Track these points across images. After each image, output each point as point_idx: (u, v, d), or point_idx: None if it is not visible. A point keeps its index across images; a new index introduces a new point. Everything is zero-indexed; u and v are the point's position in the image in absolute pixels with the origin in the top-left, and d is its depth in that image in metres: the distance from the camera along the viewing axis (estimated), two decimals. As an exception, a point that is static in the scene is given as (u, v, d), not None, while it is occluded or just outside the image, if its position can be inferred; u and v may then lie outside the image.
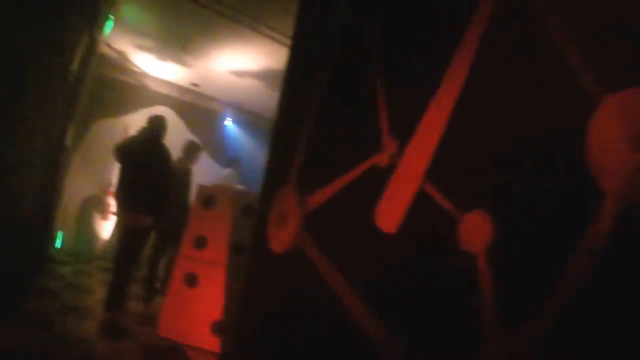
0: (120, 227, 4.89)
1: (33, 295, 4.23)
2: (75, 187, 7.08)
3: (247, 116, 9.01)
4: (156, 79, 7.85)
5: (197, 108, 8.42)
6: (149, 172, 4.40)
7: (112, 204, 7.21)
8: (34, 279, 4.72)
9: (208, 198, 4.14)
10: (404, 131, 1.98)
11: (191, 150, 5.81)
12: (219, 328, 3.80)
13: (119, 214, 4.90)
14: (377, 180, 2.05)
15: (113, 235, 7.20)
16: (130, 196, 4.38)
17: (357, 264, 2.08)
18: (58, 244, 6.72)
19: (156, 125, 4.66)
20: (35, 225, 4.52)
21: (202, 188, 4.30)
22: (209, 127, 8.25)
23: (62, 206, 6.67)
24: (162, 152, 4.65)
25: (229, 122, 8.86)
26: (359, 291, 1.97)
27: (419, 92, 1.93)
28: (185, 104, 8.25)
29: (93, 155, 7.29)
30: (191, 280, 3.94)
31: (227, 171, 7.05)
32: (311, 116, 2.72)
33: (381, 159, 2.08)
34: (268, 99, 7.86)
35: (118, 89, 7.50)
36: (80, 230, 7.01)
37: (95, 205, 7.09)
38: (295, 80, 3.10)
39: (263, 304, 2.81)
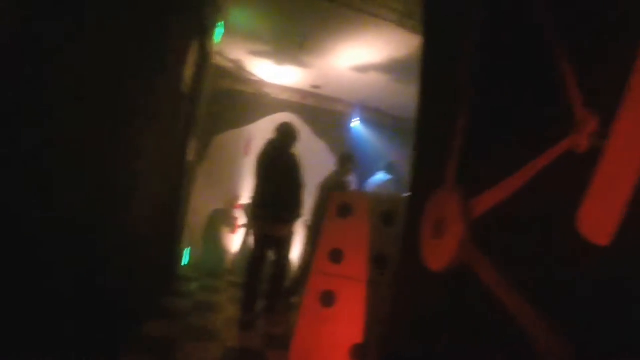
0: (255, 237, 4.89)
1: (158, 316, 4.19)
2: (201, 201, 7.16)
3: (374, 115, 8.66)
4: (275, 86, 7.78)
5: (321, 111, 8.24)
6: (280, 182, 4.51)
7: (240, 217, 7.33)
8: (160, 298, 4.70)
9: (343, 206, 3.81)
10: (606, 102, 1.41)
11: (345, 161, 5.82)
12: (358, 352, 3.48)
13: (253, 224, 4.97)
14: (572, 171, 1.50)
15: (242, 248, 7.29)
16: (264, 206, 4.54)
17: (551, 286, 1.56)
18: (185, 260, 6.78)
19: (285, 134, 4.79)
20: (161, 243, 4.55)
21: (335, 195, 4.05)
22: (335, 130, 8.04)
23: (188, 222, 6.77)
24: (291, 161, 4.69)
25: (355, 123, 8.56)
26: (552, 323, 1.47)
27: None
28: (308, 108, 8.11)
29: (217, 169, 7.39)
30: (327, 298, 3.67)
31: (381, 177, 6.59)
32: (465, 105, 2.28)
33: (577, 142, 1.51)
34: (395, 95, 7.50)
35: (237, 99, 7.53)
36: (207, 245, 7.10)
37: (222, 219, 7.16)
38: (435, 68, 2.76)
39: (414, 327, 2.47)
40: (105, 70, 2.20)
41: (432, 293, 2.41)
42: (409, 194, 2.87)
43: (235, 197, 7.44)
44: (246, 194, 7.45)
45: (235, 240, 7.48)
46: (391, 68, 6.47)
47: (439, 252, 2.36)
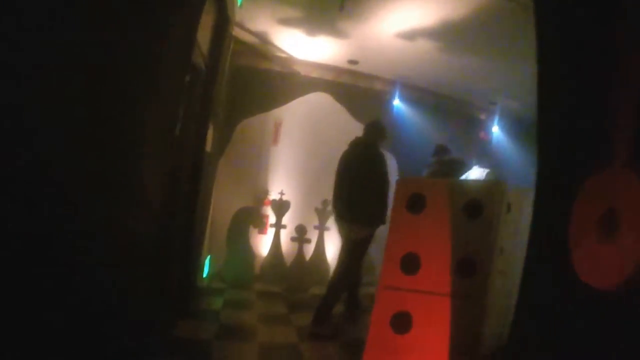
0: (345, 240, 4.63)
1: (171, 348, 3.40)
2: (224, 199, 6.31)
3: (416, 94, 7.66)
4: (306, 63, 6.79)
5: (358, 90, 7.24)
6: (363, 181, 4.34)
7: (270, 214, 6.45)
8: (173, 326, 3.89)
9: (414, 197, 2.95)
10: None
11: (441, 152, 5.03)
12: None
13: (337, 226, 4.76)
14: None
15: (272, 251, 6.43)
16: (348, 206, 4.39)
17: None
18: (206, 270, 5.83)
19: (373, 131, 4.68)
20: (174, 254, 3.72)
21: (402, 183, 3.13)
22: (374, 110, 7.05)
23: (209, 224, 5.92)
24: (377, 160, 4.47)
25: (396, 103, 7.56)
26: None
27: None
28: (344, 87, 7.11)
29: (242, 161, 6.50)
30: (401, 322, 2.75)
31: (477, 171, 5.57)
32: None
33: None
34: (442, 68, 6.54)
35: (263, 79, 6.54)
36: (232, 249, 6.10)
37: (249, 218, 6.22)
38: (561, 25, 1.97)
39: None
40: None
41: (594, 322, 1.59)
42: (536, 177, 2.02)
43: (263, 193, 6.55)
44: (276, 188, 6.59)
45: (265, 242, 6.63)
46: (443, 33, 5.47)
47: (611, 260, 1.54)
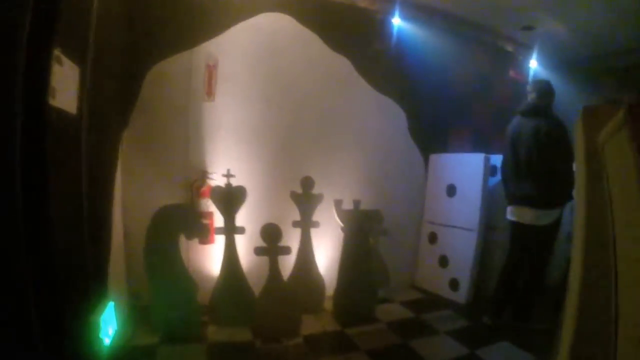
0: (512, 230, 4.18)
1: None
2: (135, 195, 3.84)
3: (423, 14, 5.31)
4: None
5: (335, 6, 4.76)
6: (539, 155, 3.83)
7: (215, 212, 3.94)
8: None
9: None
10: None
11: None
12: None
13: (515, 212, 4.09)
14: None
15: (225, 270, 3.90)
16: (534, 188, 3.89)
17: None
18: (110, 328, 2.80)
19: (543, 93, 3.98)
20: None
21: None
22: (364, 37, 4.89)
23: (108, 244, 3.24)
24: (556, 128, 3.79)
25: (398, 22, 5.23)
26: None
27: None
28: (313, 5, 4.63)
29: (159, 128, 3.99)
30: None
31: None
32: None
33: None
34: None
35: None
36: (156, 276, 3.48)
37: (178, 221, 3.62)
38: None
39: None
40: None
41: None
42: None
43: (198, 176, 4.05)
44: (218, 168, 4.09)
45: (213, 258, 4.17)
46: None
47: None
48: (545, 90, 3.99)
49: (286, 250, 3.82)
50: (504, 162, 4.21)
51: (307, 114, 4.49)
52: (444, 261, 5.19)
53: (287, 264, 4.16)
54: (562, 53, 6.48)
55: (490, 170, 4.93)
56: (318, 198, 4.38)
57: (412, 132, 5.32)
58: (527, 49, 6.55)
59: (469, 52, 5.81)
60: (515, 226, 4.09)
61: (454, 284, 5.03)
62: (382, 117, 5.12)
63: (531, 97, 4.02)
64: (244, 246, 4.06)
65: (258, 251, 3.74)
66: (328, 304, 4.40)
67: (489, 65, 6.12)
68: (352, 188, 4.84)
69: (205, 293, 3.85)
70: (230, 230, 3.89)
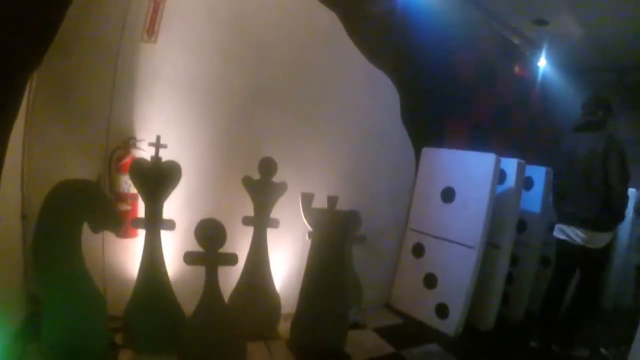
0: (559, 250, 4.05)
1: None
2: (41, 157, 2.77)
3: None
4: None
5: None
6: (596, 175, 3.64)
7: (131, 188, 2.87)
8: None
9: None
10: None
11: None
12: None
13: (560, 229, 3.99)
14: None
15: (145, 271, 2.80)
16: (573, 207, 3.81)
17: None
18: None
19: (600, 109, 3.79)
20: None
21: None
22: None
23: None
24: (615, 146, 3.60)
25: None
26: None
27: None
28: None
29: (79, 70, 2.87)
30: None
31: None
32: None
33: None
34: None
35: None
36: (50, 283, 2.38)
37: (81, 205, 2.48)
38: None
39: None
40: None
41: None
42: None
43: (124, 143, 2.94)
44: (146, 134, 3.01)
45: (129, 260, 3.08)
46: None
47: None
48: (600, 104, 3.82)
49: (229, 260, 2.74)
50: (557, 179, 4.09)
51: (277, 77, 3.41)
52: (430, 281, 4.24)
53: (232, 274, 3.11)
54: (573, 56, 6.32)
55: (524, 183, 4.43)
56: (280, 188, 3.35)
57: (405, 117, 4.32)
58: (535, 47, 6.28)
59: (476, 37, 5.40)
60: (564, 244, 3.91)
61: (442, 311, 4.10)
62: (372, 93, 4.09)
63: (587, 112, 3.86)
64: (174, 247, 3.00)
65: (189, 258, 2.64)
66: (284, 329, 3.38)
67: (495, 55, 5.60)
68: (327, 180, 3.79)
69: (117, 308, 2.78)
70: (153, 223, 2.79)
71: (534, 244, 4.70)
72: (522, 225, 4.68)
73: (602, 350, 4.11)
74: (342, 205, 3.56)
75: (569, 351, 3.90)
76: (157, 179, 2.77)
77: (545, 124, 6.94)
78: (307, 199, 3.43)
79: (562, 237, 3.90)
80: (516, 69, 6.10)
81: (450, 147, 4.50)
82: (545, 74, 6.51)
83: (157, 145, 2.85)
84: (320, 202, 3.48)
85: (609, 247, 3.85)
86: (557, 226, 3.98)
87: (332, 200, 3.50)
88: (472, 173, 4.05)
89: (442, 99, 4.86)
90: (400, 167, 4.49)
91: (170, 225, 2.83)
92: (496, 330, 4.28)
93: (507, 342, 4.11)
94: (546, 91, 6.69)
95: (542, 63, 6.43)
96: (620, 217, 3.69)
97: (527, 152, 6.02)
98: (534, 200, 4.68)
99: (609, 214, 3.64)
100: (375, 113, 4.14)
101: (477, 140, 5.35)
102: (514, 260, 4.61)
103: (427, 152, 4.56)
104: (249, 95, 3.36)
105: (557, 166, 4.09)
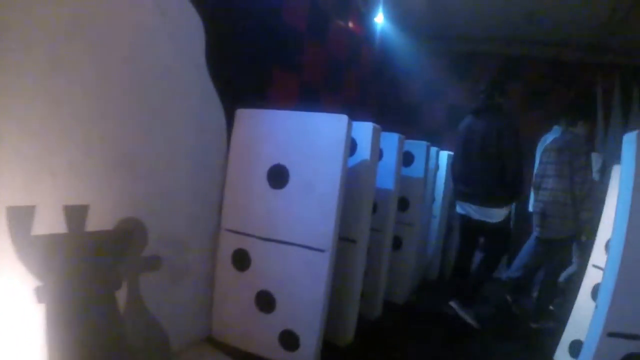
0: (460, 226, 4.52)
1: None
2: None
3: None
4: None
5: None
6: (485, 153, 3.89)
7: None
8: None
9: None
10: None
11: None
12: None
13: (456, 206, 4.40)
14: None
15: None
16: (467, 182, 4.09)
17: None
18: None
19: (495, 92, 4.06)
20: None
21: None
22: None
23: None
24: (510, 127, 3.87)
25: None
26: None
27: None
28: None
29: None
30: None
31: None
32: None
33: None
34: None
35: None
36: None
37: None
38: None
39: None
40: None
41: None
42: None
43: None
44: None
45: None
46: None
47: None
48: (495, 87, 4.05)
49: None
50: (454, 160, 4.32)
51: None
52: (266, 301, 2.99)
53: None
54: (411, 16, 5.91)
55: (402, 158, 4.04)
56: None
57: (212, 66, 2.88)
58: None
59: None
60: (464, 218, 4.25)
61: (288, 340, 2.89)
62: (160, 27, 2.53)
63: (484, 95, 4.06)
64: None
65: None
66: None
67: (329, 4, 4.81)
68: (72, 174, 2.04)
69: None
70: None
71: (418, 223, 4.61)
72: (404, 204, 4.47)
73: (507, 297, 4.60)
74: (103, 218, 2.08)
75: (465, 310, 4.09)
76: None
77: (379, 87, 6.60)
78: (19, 217, 1.83)
79: (462, 212, 4.24)
80: (350, 23, 5.41)
81: (282, 107, 3.17)
82: (383, 32, 6.08)
83: None
84: (55, 220, 1.94)
85: (508, 221, 4.14)
86: (457, 202, 4.34)
87: (77, 212, 1.96)
88: (313, 143, 2.80)
89: (266, 45, 3.60)
90: (204, 141, 2.95)
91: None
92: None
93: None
94: (385, 51, 6.29)
95: (380, 19, 5.95)
96: (516, 193, 3.92)
97: (357, 114, 5.30)
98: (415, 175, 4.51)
99: (503, 190, 3.84)
100: (166, 59, 2.59)
101: (306, 102, 4.35)
102: (398, 243, 4.51)
103: (244, 115, 3.09)
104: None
105: (455, 148, 4.30)
